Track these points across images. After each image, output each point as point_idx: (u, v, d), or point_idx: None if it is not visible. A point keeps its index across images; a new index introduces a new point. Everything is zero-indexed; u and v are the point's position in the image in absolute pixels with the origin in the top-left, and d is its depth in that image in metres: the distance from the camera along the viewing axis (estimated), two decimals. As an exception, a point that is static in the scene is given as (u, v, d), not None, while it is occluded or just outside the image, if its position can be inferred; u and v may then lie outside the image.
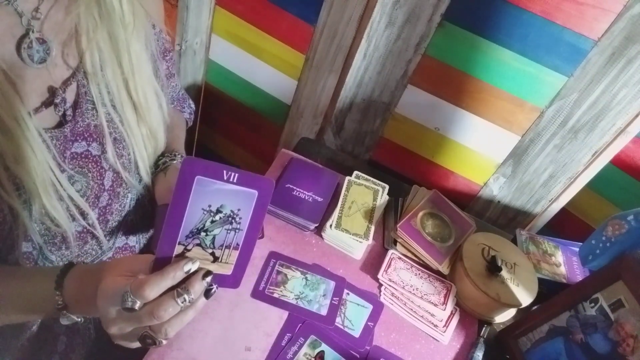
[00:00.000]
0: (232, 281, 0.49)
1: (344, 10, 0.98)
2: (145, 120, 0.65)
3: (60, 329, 0.70)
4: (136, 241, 0.76)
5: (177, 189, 0.42)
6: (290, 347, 0.69)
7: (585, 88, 0.87)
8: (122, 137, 0.63)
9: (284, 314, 0.73)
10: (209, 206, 0.44)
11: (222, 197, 0.44)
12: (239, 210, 0.45)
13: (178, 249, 0.45)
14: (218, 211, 0.44)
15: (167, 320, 0.44)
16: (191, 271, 0.45)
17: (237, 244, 0.47)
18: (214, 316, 0.70)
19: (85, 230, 0.63)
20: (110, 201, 0.65)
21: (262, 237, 0.82)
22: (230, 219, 0.45)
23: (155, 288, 0.43)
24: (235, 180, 0.43)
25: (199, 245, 0.46)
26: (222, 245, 0.46)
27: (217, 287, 0.47)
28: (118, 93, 0.61)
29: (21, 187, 0.52)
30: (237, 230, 0.46)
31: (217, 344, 0.67)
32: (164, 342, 0.46)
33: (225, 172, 0.42)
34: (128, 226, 0.72)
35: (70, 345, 0.71)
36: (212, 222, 0.45)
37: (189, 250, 0.46)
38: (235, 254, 0.47)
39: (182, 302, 0.44)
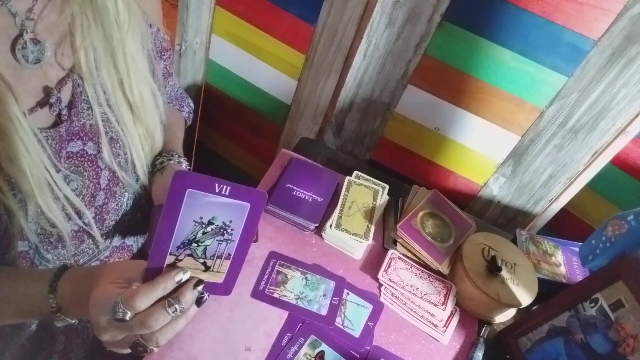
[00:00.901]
0: (223, 289, 0.49)
1: (344, 10, 0.98)
2: (142, 120, 0.65)
3: (59, 328, 0.70)
4: (134, 240, 0.76)
5: (168, 201, 0.42)
6: (290, 347, 0.69)
7: (585, 88, 0.87)
8: (119, 136, 0.63)
9: (284, 314, 0.73)
10: (201, 218, 0.44)
11: (213, 209, 0.44)
12: (230, 221, 0.45)
13: (169, 259, 0.45)
14: (210, 223, 0.44)
15: (159, 329, 0.44)
16: (182, 281, 0.45)
17: (229, 254, 0.47)
18: (214, 316, 0.70)
19: (81, 229, 0.63)
20: (106, 200, 0.65)
21: (256, 240, 0.82)
22: (222, 230, 0.45)
23: (146, 299, 0.43)
24: (227, 193, 0.43)
25: (190, 255, 0.46)
26: (213, 256, 0.47)
27: (208, 295, 0.48)
28: (113, 93, 0.61)
29: (16, 187, 0.52)
30: (228, 241, 0.46)
31: (217, 344, 0.67)
32: (155, 349, 0.46)
33: (217, 185, 0.42)
34: (125, 225, 0.72)
35: (69, 344, 0.71)
36: (204, 233, 0.45)
37: (180, 261, 0.46)
38: (227, 264, 0.47)
39: (173, 312, 0.44)
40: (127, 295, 0.43)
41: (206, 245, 0.46)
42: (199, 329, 0.68)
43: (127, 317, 0.43)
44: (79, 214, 0.61)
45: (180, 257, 0.45)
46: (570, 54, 0.85)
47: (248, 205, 0.44)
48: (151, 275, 0.45)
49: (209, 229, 0.45)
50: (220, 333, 0.68)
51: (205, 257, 0.46)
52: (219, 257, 0.47)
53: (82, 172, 0.60)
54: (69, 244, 0.61)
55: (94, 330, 0.47)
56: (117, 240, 0.72)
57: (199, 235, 0.45)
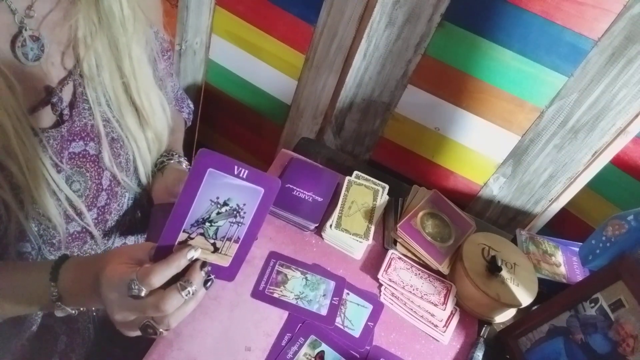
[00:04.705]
0: (228, 274, 0.50)
1: (344, 10, 0.98)
2: (150, 124, 0.65)
3: (60, 328, 0.70)
4: (134, 241, 0.76)
5: (189, 178, 0.43)
6: (290, 347, 0.69)
7: (585, 88, 0.87)
8: (120, 136, 0.63)
9: (284, 314, 0.73)
10: (217, 198, 0.45)
11: (230, 190, 0.45)
12: (244, 205, 0.46)
13: (182, 236, 0.46)
14: (225, 204, 0.46)
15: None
16: (193, 258, 0.46)
17: (238, 238, 0.48)
18: (214, 316, 0.70)
19: (84, 230, 0.63)
20: (108, 200, 0.65)
21: (255, 239, 0.82)
22: (235, 212, 0.47)
23: (161, 276, 0.44)
24: (244, 176, 0.45)
25: (202, 234, 0.47)
26: (224, 237, 0.48)
27: (214, 277, 0.49)
28: (116, 97, 0.61)
29: (18, 187, 0.52)
30: (239, 224, 0.47)
31: (217, 344, 0.67)
32: (165, 333, 0.47)
33: (236, 167, 0.44)
34: (126, 226, 0.72)
35: (70, 345, 0.71)
36: (218, 213, 0.46)
37: (192, 239, 0.47)
38: (235, 247, 0.49)
39: (187, 295, 0.45)
40: (143, 272, 0.44)
41: (218, 226, 0.47)
42: (199, 329, 0.68)
43: (143, 294, 0.44)
44: (80, 214, 0.61)
45: (192, 235, 0.47)
46: (570, 54, 0.85)
47: (262, 190, 0.46)
48: (163, 250, 0.46)
49: (223, 209, 0.46)
50: (220, 333, 0.68)
51: (216, 238, 0.48)
52: (229, 239, 0.48)
53: (85, 173, 0.60)
54: (67, 244, 0.61)
55: (107, 310, 0.47)
56: (118, 241, 0.72)
57: (214, 215, 0.46)
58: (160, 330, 0.46)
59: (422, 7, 0.90)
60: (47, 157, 0.54)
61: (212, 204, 0.45)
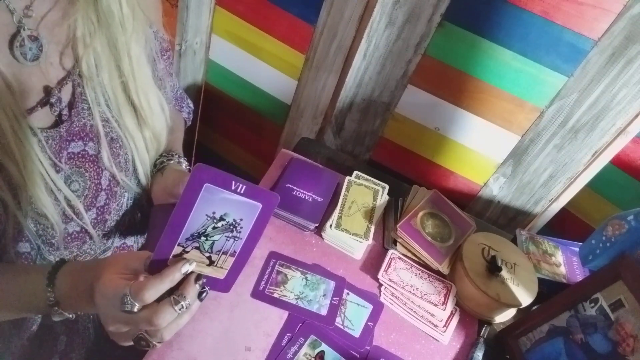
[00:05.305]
0: (223, 286, 0.50)
1: (344, 10, 0.98)
2: (148, 124, 0.65)
3: (60, 328, 0.70)
4: (134, 241, 0.76)
5: (185, 193, 0.43)
6: (290, 347, 0.69)
7: (585, 88, 0.87)
8: (119, 136, 0.63)
9: (284, 314, 0.73)
10: (213, 213, 0.45)
11: (227, 205, 0.44)
12: (241, 220, 0.46)
13: (177, 250, 0.46)
14: (221, 218, 0.45)
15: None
16: (188, 272, 0.46)
17: (235, 251, 0.48)
18: (214, 316, 0.70)
19: (83, 230, 0.63)
20: (107, 200, 0.65)
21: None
22: (231, 227, 0.46)
23: (154, 291, 0.44)
24: (242, 192, 0.44)
25: (197, 248, 0.46)
26: (219, 251, 0.47)
27: (209, 289, 0.48)
28: (114, 96, 0.61)
29: (16, 186, 0.52)
30: (236, 239, 0.47)
31: (217, 344, 0.67)
32: (158, 345, 0.47)
33: (233, 182, 0.43)
34: (126, 226, 0.72)
35: (70, 345, 0.71)
36: (214, 228, 0.46)
37: (187, 252, 0.46)
38: (230, 261, 0.48)
39: (180, 309, 0.45)
40: (136, 287, 0.43)
41: (214, 240, 0.46)
42: (199, 329, 0.68)
43: (135, 309, 0.43)
44: (78, 214, 0.61)
45: (187, 249, 0.46)
46: (570, 54, 0.85)
47: (260, 205, 0.45)
48: (157, 264, 0.46)
49: (219, 224, 0.46)
50: (220, 333, 0.68)
51: (212, 252, 0.47)
52: (225, 253, 0.48)
53: (84, 173, 0.60)
54: (67, 244, 0.61)
55: (101, 320, 0.47)
56: (117, 241, 0.72)
57: (209, 229, 0.46)
58: (154, 343, 0.46)
59: (422, 7, 0.90)
60: (45, 157, 0.54)
61: (208, 218, 0.45)
